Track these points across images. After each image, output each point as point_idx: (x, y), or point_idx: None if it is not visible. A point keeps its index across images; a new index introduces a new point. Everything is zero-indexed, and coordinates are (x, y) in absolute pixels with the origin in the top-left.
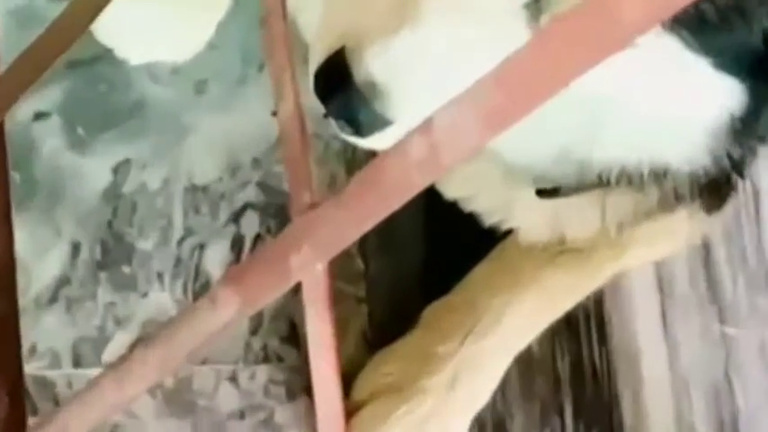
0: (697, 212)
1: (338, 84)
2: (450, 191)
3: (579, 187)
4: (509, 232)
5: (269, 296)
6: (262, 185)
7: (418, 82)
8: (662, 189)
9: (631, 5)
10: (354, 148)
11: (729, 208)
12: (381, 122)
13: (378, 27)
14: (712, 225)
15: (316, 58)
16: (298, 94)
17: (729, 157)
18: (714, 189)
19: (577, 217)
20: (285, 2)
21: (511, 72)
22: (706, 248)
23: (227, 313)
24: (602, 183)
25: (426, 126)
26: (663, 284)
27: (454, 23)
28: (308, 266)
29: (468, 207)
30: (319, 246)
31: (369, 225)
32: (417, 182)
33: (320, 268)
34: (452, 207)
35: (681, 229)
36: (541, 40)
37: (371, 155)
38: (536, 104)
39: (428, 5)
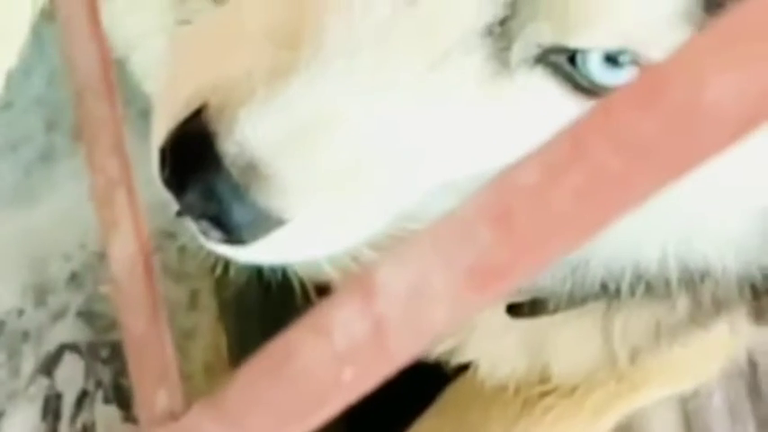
0: (742, 323)
1: (198, 164)
2: None
3: (572, 300)
4: (463, 369)
5: None
6: (85, 315)
7: (324, 158)
8: (696, 297)
9: None
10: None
11: None
12: (267, 223)
13: (258, 72)
14: (762, 337)
15: (161, 123)
16: (138, 216)
17: None
18: (762, 291)
19: (569, 343)
20: (109, 60)
21: (519, 209)
22: (753, 368)
23: None
24: (607, 293)
25: (365, 287)
26: (692, 425)
27: (376, 65)
28: None
29: None
30: None
31: None
32: (347, 381)
33: None
34: None
35: (719, 350)
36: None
37: (257, 273)
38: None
39: (332, 37)
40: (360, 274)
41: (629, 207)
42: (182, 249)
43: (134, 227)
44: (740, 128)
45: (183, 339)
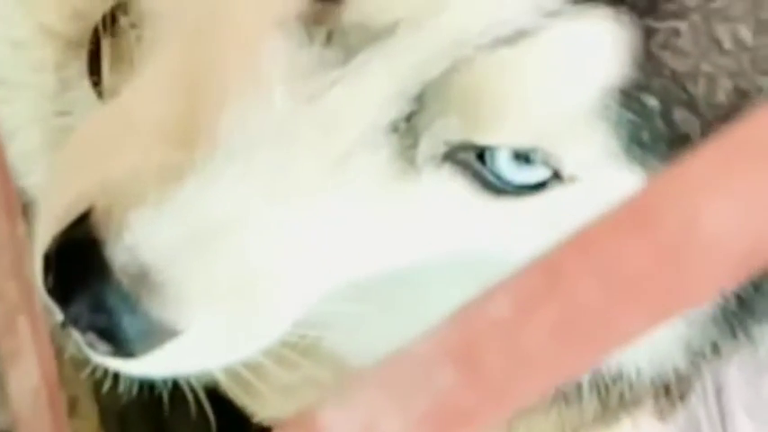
0: (645, 420)
1: (85, 273)
2: (264, 409)
3: None
4: None
5: None
6: None
7: (220, 266)
8: (605, 399)
9: None
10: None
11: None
12: (160, 334)
13: (148, 173)
14: None
15: (45, 228)
16: (42, 344)
17: (716, 350)
18: (668, 388)
19: None
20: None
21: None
22: None
23: None
24: None
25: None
26: None
27: (274, 166)
28: None
29: None
30: None
31: None
32: None
33: None
34: None
35: None
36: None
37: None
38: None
39: (228, 135)
40: (300, 417)
41: (612, 347)
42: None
43: (37, 357)
44: (742, 262)
45: None
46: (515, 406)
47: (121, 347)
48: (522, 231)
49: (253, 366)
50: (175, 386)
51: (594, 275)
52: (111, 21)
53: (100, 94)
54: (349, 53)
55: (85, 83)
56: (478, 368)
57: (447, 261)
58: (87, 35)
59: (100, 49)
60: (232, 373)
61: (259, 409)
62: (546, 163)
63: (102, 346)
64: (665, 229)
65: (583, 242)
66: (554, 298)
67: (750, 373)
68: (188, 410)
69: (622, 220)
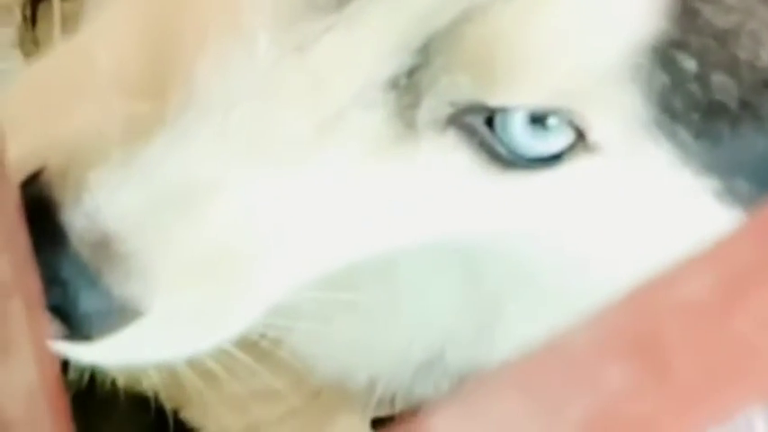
0: None
1: (36, 239)
2: (212, 423)
3: None
4: None
5: None
6: None
7: (191, 236)
8: None
9: None
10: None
11: None
12: (121, 315)
13: (111, 128)
14: None
15: None
16: (40, 333)
17: None
18: None
19: None
20: None
21: None
22: None
23: None
24: None
25: None
26: None
27: (255, 123)
28: None
29: None
30: None
31: None
32: None
33: None
34: None
35: None
36: None
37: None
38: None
39: (204, 87)
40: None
41: None
42: None
43: (34, 350)
44: None
45: None
46: (711, 417)
47: (77, 329)
48: (527, 216)
49: (203, 373)
50: (111, 392)
51: None
52: None
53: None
54: None
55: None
56: (662, 366)
57: (435, 249)
58: None
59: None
60: (179, 378)
61: (206, 424)
62: (569, 123)
63: (55, 326)
64: None
65: None
66: None
67: None
68: (122, 422)
69: None
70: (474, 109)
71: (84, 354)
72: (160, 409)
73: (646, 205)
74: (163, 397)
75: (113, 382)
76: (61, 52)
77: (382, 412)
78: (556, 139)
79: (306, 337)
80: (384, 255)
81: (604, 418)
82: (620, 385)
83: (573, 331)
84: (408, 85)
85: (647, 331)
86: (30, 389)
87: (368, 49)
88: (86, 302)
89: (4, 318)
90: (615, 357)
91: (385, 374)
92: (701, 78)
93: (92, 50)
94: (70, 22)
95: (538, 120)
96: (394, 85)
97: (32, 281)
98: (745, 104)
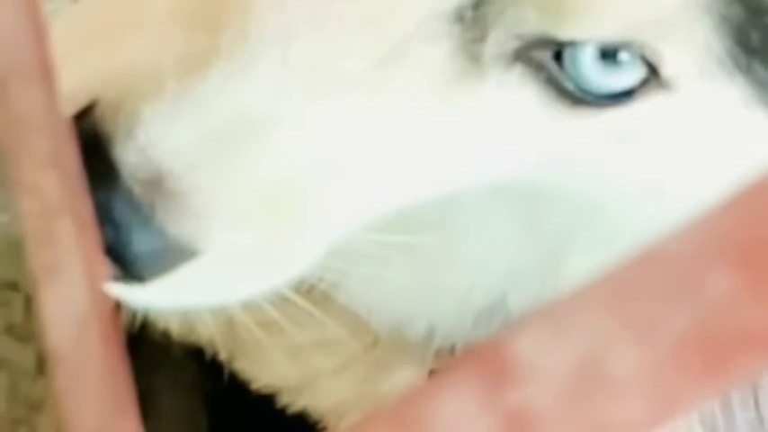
0: None
1: (88, 176)
2: (267, 374)
3: None
4: None
5: None
6: None
7: (249, 173)
8: None
9: None
10: None
11: None
12: (175, 254)
13: (167, 60)
14: None
15: None
16: (92, 256)
17: None
18: None
19: None
20: None
21: None
22: None
23: None
24: None
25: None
26: None
27: (314, 57)
28: None
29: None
30: None
31: None
32: None
33: None
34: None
35: None
36: None
37: None
38: None
39: (261, 20)
40: (482, 350)
41: None
42: (28, 302)
43: (84, 273)
44: None
45: (29, 412)
46: None
47: (129, 269)
48: (596, 156)
49: (259, 320)
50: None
51: None
52: None
53: None
54: None
55: None
56: None
57: (497, 189)
58: None
59: None
60: (234, 326)
61: (261, 374)
62: (641, 58)
63: (106, 267)
64: None
65: None
66: None
67: None
68: (173, 371)
69: None
70: (542, 43)
71: (136, 296)
72: (212, 361)
73: (719, 141)
74: (217, 346)
75: (165, 332)
76: None
77: (441, 364)
78: (627, 75)
79: (363, 282)
80: (445, 195)
81: (707, 333)
82: (726, 298)
83: (672, 239)
84: (474, 18)
85: (760, 236)
86: (79, 316)
87: None
88: (139, 241)
89: (51, 237)
90: (721, 266)
91: (444, 322)
92: None
93: None
94: None
95: (608, 54)
96: (459, 17)
97: (83, 202)
98: None
